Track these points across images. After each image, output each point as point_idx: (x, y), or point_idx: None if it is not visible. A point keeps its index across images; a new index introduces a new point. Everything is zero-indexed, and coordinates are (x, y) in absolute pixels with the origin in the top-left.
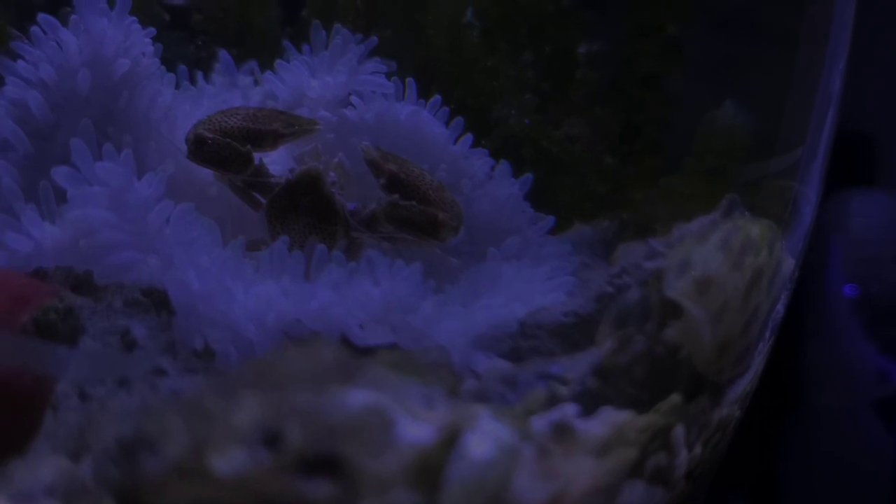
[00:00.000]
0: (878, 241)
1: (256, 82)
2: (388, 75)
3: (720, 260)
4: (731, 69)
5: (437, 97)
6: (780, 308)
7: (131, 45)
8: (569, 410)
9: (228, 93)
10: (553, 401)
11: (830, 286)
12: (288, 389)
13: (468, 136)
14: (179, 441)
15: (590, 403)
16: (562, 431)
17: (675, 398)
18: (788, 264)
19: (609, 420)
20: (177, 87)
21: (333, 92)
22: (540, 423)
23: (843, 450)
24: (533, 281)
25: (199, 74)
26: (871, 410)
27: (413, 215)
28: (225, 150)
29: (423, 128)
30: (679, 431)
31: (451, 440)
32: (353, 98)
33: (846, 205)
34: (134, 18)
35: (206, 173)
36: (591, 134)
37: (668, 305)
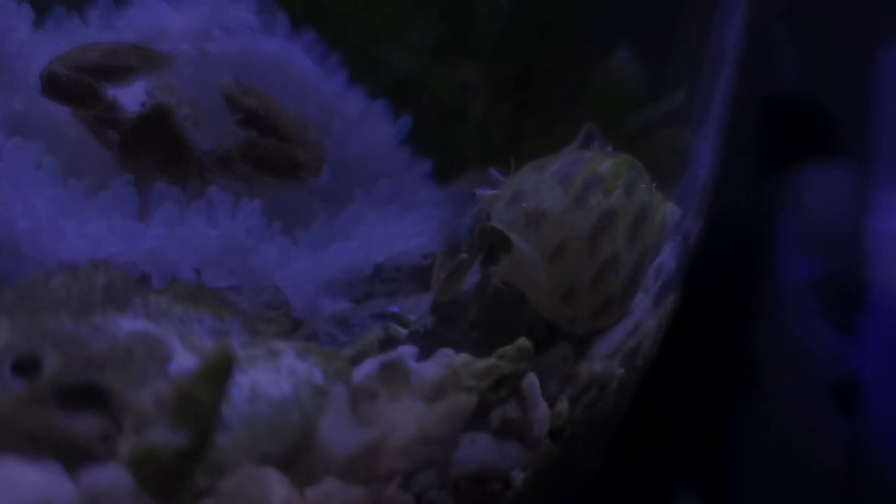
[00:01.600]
0: (835, 218)
1: None
2: (260, 10)
3: (557, 193)
4: (627, 16)
5: (310, 32)
6: (669, 262)
7: None
8: (406, 352)
9: (102, 33)
10: (391, 343)
11: (784, 265)
12: (47, 315)
13: (343, 74)
14: None
15: (432, 346)
16: (390, 372)
17: (524, 343)
18: (673, 213)
19: (444, 362)
20: (39, 25)
21: (196, 25)
22: (369, 365)
23: (798, 434)
24: (396, 226)
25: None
26: (826, 394)
27: (270, 154)
28: (78, 85)
29: (292, 65)
30: (531, 381)
31: (220, 372)
32: (216, 32)
33: (802, 180)
34: None
35: (63, 112)
36: (486, 82)
37: (497, 238)
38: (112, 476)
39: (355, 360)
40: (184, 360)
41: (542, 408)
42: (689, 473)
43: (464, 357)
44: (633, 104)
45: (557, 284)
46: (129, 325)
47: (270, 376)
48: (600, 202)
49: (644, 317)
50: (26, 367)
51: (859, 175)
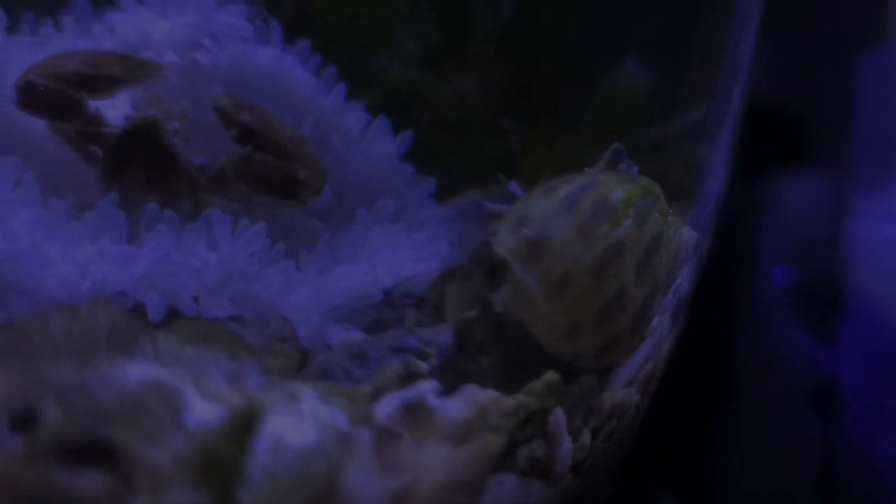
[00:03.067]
0: (812, 223)
1: None
2: (252, 18)
3: (563, 221)
4: (635, 27)
5: (305, 42)
6: (685, 283)
7: None
8: (426, 388)
9: (80, 40)
10: (409, 378)
11: (761, 271)
12: (46, 362)
13: (341, 88)
14: None
15: (454, 381)
16: (414, 413)
17: (552, 377)
18: (688, 239)
19: (471, 400)
20: (12, 30)
21: (184, 33)
22: (389, 403)
23: (775, 439)
24: (404, 247)
25: (48, 20)
26: (803, 400)
27: (268, 172)
28: (56, 96)
29: (287, 76)
30: (558, 416)
31: (245, 424)
32: (206, 41)
33: (779, 187)
34: None
35: (40, 125)
36: (484, 92)
37: (499, 263)
38: None
39: (374, 397)
40: (201, 410)
41: (567, 443)
42: (668, 478)
43: (490, 394)
44: (641, 115)
45: (560, 319)
46: (137, 371)
47: (293, 423)
48: (608, 233)
49: (661, 341)
50: (23, 421)
51: (837, 181)
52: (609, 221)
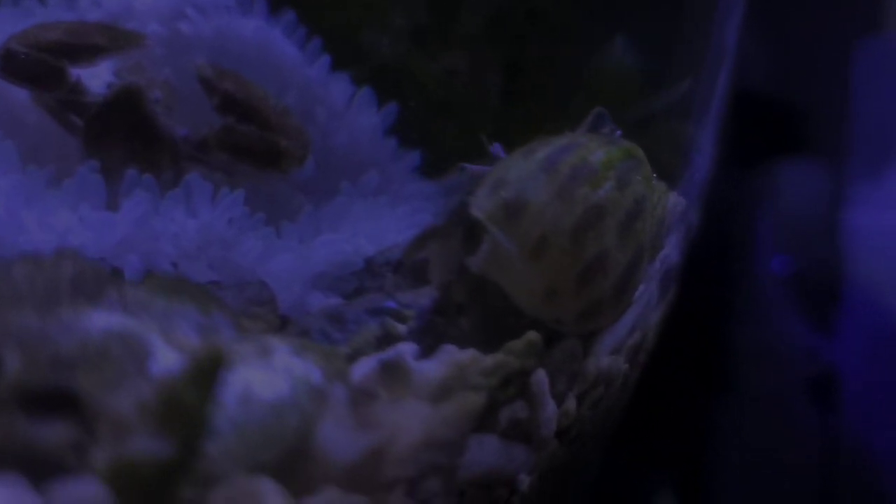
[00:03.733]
0: (809, 213)
1: None
2: None
3: (540, 183)
4: (623, 5)
5: (290, 14)
6: (673, 253)
7: None
8: (404, 350)
9: (65, 13)
10: (387, 340)
11: (759, 261)
12: (7, 310)
13: (325, 59)
14: None
15: (433, 344)
16: (391, 373)
17: (533, 337)
18: (675, 205)
19: (449, 359)
20: None
21: (168, 3)
22: (366, 364)
23: (774, 430)
24: (387, 219)
25: None
26: (802, 389)
27: (250, 142)
28: (37, 65)
29: (271, 47)
30: (540, 377)
31: (210, 372)
32: (189, 10)
33: (776, 176)
34: None
35: (22, 95)
36: (472, 69)
37: (476, 225)
38: (86, 490)
39: (351, 358)
40: (167, 359)
41: (551, 406)
42: (667, 470)
43: (470, 353)
44: (630, 94)
45: (537, 282)
46: (102, 320)
47: (264, 376)
48: (587, 195)
49: (649, 310)
50: None
51: (834, 170)
52: (588, 184)
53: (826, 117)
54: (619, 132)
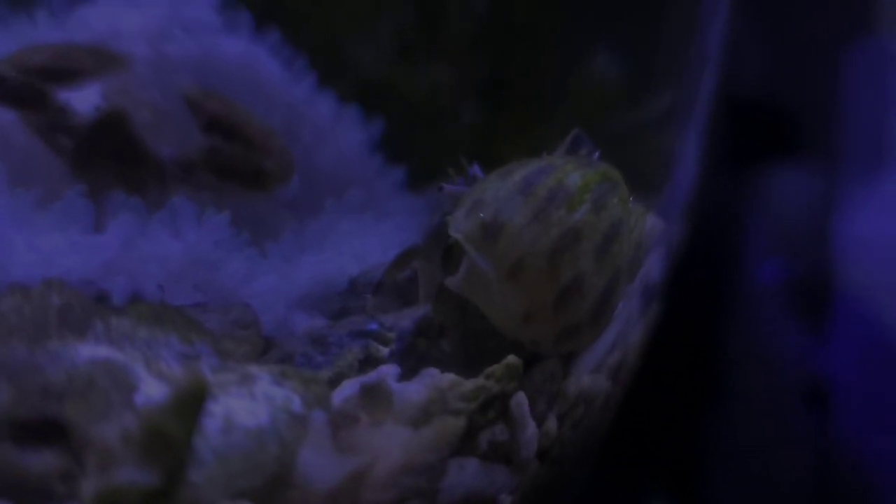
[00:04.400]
0: (802, 219)
1: None
2: (222, 8)
3: (517, 204)
4: (605, 17)
5: (276, 33)
6: (654, 271)
7: None
8: (386, 372)
9: (55, 32)
10: (371, 362)
11: (752, 266)
12: None
13: (311, 78)
14: None
15: (415, 364)
16: (373, 396)
17: (513, 360)
18: (653, 228)
19: (430, 382)
20: None
21: (153, 25)
22: (348, 387)
23: (767, 435)
24: (371, 236)
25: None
26: (794, 395)
27: (235, 162)
28: (26, 88)
29: (257, 67)
30: (520, 400)
31: (193, 403)
32: (175, 32)
33: (768, 181)
34: None
35: (10, 117)
36: (457, 82)
37: (455, 245)
38: None
39: (334, 382)
40: (151, 390)
41: (531, 428)
42: (660, 475)
43: (450, 377)
44: (614, 106)
45: (515, 305)
46: (89, 351)
47: (245, 404)
48: (563, 218)
49: (629, 328)
50: None
51: (826, 176)
52: (565, 206)
53: (818, 122)
54: (597, 153)
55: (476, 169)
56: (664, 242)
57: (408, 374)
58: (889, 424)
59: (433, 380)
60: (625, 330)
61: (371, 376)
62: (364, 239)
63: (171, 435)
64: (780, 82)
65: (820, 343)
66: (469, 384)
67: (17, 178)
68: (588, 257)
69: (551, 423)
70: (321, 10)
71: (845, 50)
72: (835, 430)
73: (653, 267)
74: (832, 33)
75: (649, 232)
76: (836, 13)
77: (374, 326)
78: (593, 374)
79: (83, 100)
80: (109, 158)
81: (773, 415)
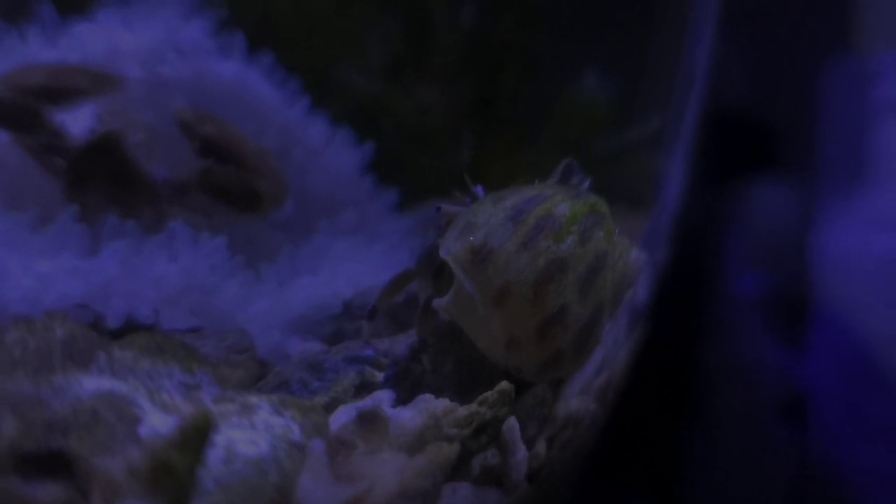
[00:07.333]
0: (780, 233)
1: None
2: (217, 30)
3: (507, 231)
4: (593, 39)
5: (269, 56)
6: (641, 294)
7: None
8: (381, 398)
9: (48, 51)
10: (365, 388)
11: (730, 280)
12: (2, 375)
13: (304, 101)
14: None
15: (410, 389)
16: (369, 423)
17: (505, 387)
18: (636, 258)
19: (424, 408)
20: None
21: (149, 46)
22: (344, 413)
23: (747, 450)
24: (365, 259)
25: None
26: (773, 410)
27: (229, 184)
28: (19, 109)
29: (250, 89)
30: (512, 425)
31: (197, 434)
32: (169, 53)
33: (747, 195)
34: None
35: (4, 138)
36: (447, 103)
37: (445, 266)
38: None
39: (330, 407)
40: (155, 422)
41: (522, 451)
42: (639, 491)
43: (444, 403)
44: (603, 127)
45: (499, 331)
46: (93, 383)
47: (246, 434)
48: (550, 248)
49: (616, 349)
50: None
51: (805, 191)
52: (552, 236)
53: (797, 136)
54: (587, 183)
55: (480, 189)
56: (652, 265)
57: (403, 399)
58: (867, 437)
59: (427, 406)
60: (612, 352)
61: (367, 402)
62: (357, 261)
63: (177, 468)
64: (760, 97)
65: (798, 356)
66: (463, 410)
67: (11, 199)
68: (573, 288)
69: (540, 446)
70: (313, 33)
71: (824, 66)
72: (813, 442)
73: (639, 290)
74: (811, 49)
75: (633, 264)
76: (815, 29)
77: (369, 352)
78: (581, 396)
79: (77, 121)
80: (103, 180)
81: (753, 428)
